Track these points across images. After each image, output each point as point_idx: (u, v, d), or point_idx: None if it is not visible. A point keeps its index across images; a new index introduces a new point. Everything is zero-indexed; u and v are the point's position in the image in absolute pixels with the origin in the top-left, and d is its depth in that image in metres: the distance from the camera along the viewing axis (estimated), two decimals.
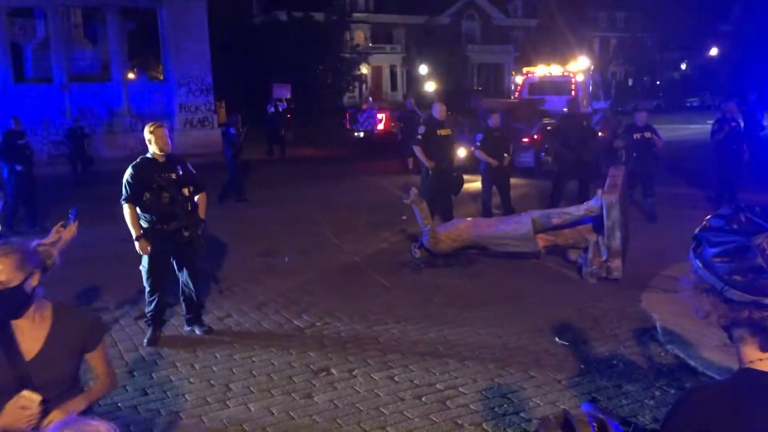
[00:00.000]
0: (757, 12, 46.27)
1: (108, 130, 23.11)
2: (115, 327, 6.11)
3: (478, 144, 10.13)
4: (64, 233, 3.81)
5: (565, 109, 11.79)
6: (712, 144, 10.75)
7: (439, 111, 9.67)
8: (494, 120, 10.21)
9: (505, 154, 10.11)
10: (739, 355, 1.32)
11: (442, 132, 9.48)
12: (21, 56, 26.07)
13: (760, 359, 1.28)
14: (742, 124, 10.56)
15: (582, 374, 4.85)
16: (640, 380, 4.72)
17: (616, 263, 7.07)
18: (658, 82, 57.26)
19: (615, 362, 5.04)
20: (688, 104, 47.86)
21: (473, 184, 11.00)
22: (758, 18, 45.68)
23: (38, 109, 21.86)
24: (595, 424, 1.13)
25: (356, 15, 43.35)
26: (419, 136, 9.54)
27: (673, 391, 4.50)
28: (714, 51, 51.55)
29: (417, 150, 9.58)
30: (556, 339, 5.53)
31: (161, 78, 26.94)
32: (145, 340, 5.66)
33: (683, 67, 57.51)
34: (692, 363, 4.94)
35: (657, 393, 4.49)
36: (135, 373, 5.10)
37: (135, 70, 32.95)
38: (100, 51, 26.00)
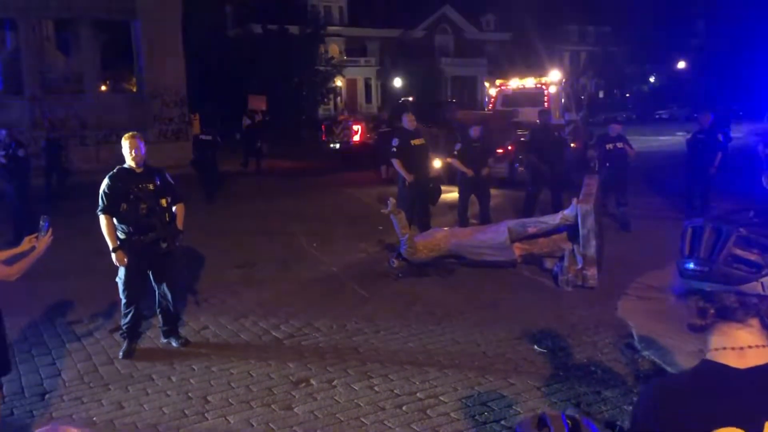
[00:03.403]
0: (720, 25, 47.54)
1: (80, 142, 22.78)
2: (90, 340, 6.01)
3: (455, 153, 10.16)
4: (38, 243, 3.75)
5: (537, 121, 11.94)
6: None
7: (408, 121, 9.64)
8: (474, 131, 10.25)
9: (485, 167, 10.17)
10: (707, 343, 1.37)
11: (415, 142, 9.46)
12: None
13: (724, 348, 1.33)
14: (720, 137, 10.78)
15: (561, 381, 4.89)
16: (619, 386, 4.78)
17: (592, 271, 7.15)
18: (627, 95, 58.30)
19: (593, 369, 5.08)
20: (657, 116, 48.72)
21: (451, 194, 11.07)
22: (722, 32, 46.91)
23: (8, 121, 21.48)
24: (568, 421, 1.15)
25: (331, 28, 43.49)
26: (394, 149, 9.46)
27: None
28: (681, 64, 52.72)
29: (396, 163, 9.54)
30: (535, 347, 5.57)
31: (135, 90, 26.67)
32: (121, 353, 5.57)
33: (652, 80, 58.62)
34: (669, 369, 5.00)
35: (635, 398, 4.54)
36: (110, 386, 5.01)
37: (108, 81, 32.63)
38: (73, 63, 25.71)
